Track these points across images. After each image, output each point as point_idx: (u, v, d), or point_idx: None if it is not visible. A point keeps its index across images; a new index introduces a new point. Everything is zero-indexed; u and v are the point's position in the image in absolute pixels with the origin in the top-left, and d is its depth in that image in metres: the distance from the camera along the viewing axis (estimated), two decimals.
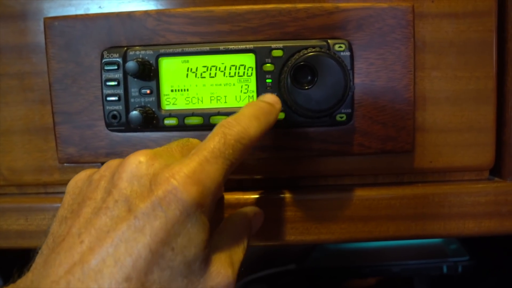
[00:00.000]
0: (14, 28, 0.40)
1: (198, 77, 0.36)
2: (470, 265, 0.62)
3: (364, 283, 0.77)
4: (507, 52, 0.39)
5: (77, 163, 0.39)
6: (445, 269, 0.63)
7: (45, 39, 0.37)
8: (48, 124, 0.40)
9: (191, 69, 0.36)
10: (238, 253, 0.30)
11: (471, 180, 0.41)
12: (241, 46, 0.36)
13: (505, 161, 0.40)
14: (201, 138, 0.37)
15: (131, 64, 0.35)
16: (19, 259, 0.82)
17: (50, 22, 0.37)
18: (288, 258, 0.76)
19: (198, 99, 0.36)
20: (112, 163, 0.28)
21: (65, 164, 0.40)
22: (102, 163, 0.39)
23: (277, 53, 0.36)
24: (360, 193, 0.39)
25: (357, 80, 0.36)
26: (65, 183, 0.40)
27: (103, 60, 0.36)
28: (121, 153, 0.38)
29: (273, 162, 0.40)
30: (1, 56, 0.40)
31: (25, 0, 0.39)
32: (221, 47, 0.36)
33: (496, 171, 0.41)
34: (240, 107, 0.36)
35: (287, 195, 0.39)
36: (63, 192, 0.41)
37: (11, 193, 0.42)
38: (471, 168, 0.40)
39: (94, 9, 0.39)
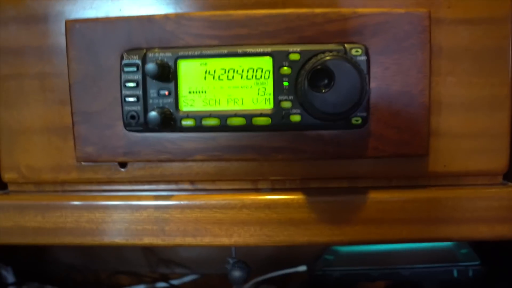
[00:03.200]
0: (36, 30, 0.40)
1: (216, 79, 0.37)
2: (481, 270, 0.62)
3: (374, 286, 0.77)
4: None
5: (95, 161, 0.40)
6: (455, 274, 0.63)
7: (66, 41, 0.38)
8: (67, 124, 0.40)
9: (209, 72, 0.37)
10: None
11: (485, 184, 0.41)
12: (259, 50, 0.36)
13: None
14: (217, 139, 0.38)
15: (150, 66, 0.35)
16: (31, 257, 0.83)
17: (72, 25, 0.38)
18: (299, 260, 0.76)
19: (216, 101, 0.37)
20: None
21: (83, 163, 0.41)
22: (120, 163, 0.40)
23: (294, 56, 0.36)
24: (374, 196, 0.39)
25: (373, 85, 0.37)
26: (82, 182, 0.41)
27: (123, 62, 0.37)
28: (138, 153, 0.39)
29: (288, 164, 0.40)
30: (23, 57, 0.41)
31: (47, 2, 0.40)
32: (239, 50, 0.37)
33: (509, 176, 0.41)
34: (257, 109, 0.36)
35: (301, 197, 0.39)
36: (80, 191, 0.42)
37: (29, 191, 0.43)
38: (484, 173, 0.41)
39: (114, 12, 0.40)
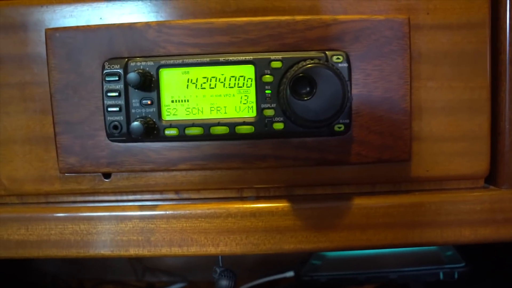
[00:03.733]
0: (15, 39, 0.40)
1: (198, 88, 0.37)
2: (466, 271, 0.63)
3: None
4: (501, 63, 0.40)
5: (78, 172, 0.39)
6: (441, 276, 0.63)
7: (47, 50, 0.38)
8: (49, 134, 0.40)
9: (191, 80, 0.37)
10: None
11: (467, 188, 0.42)
12: (241, 58, 0.36)
13: (500, 169, 0.41)
14: (201, 148, 0.38)
15: (132, 76, 0.35)
16: (15, 267, 0.81)
17: (52, 33, 0.38)
18: (286, 265, 0.76)
19: (198, 109, 0.37)
20: None
21: (66, 174, 0.40)
22: (103, 173, 0.40)
23: (276, 64, 0.36)
24: (358, 202, 0.40)
25: (354, 91, 0.37)
26: (66, 193, 0.41)
27: (104, 71, 0.37)
28: (122, 163, 0.38)
29: (272, 172, 0.40)
30: (2, 67, 0.40)
31: (26, 11, 0.40)
32: (221, 59, 0.37)
33: (491, 179, 0.42)
34: (240, 118, 0.36)
35: (286, 204, 0.39)
36: (64, 202, 0.41)
37: (12, 203, 0.43)
38: (466, 176, 0.41)
39: (95, 20, 0.39)
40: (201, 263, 0.86)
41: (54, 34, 0.38)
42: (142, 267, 0.88)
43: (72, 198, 0.42)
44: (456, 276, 0.63)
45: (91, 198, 0.42)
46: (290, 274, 0.74)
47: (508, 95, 0.40)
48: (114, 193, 0.41)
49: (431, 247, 0.70)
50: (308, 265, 0.73)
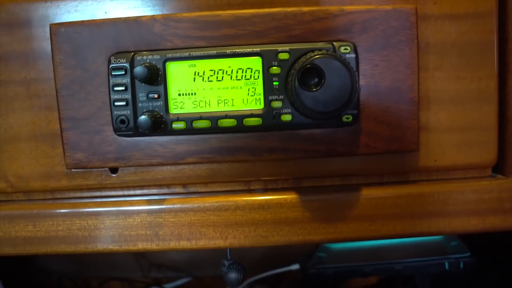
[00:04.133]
0: (19, 35, 0.40)
1: (205, 81, 0.37)
2: (471, 261, 0.63)
3: (367, 282, 0.77)
4: (508, 53, 0.40)
5: (85, 168, 0.39)
6: (447, 266, 0.64)
7: (52, 45, 0.38)
8: (55, 130, 0.40)
9: (198, 73, 0.37)
10: None
11: (475, 177, 0.42)
12: (248, 50, 0.36)
13: (508, 158, 0.41)
14: (209, 141, 0.38)
15: (139, 69, 0.35)
16: (20, 266, 0.82)
17: (57, 29, 0.38)
18: (291, 258, 0.76)
19: (206, 102, 0.37)
20: None
21: (72, 170, 0.40)
22: (110, 168, 0.40)
23: (283, 56, 0.36)
24: (367, 193, 0.40)
25: (362, 82, 0.37)
26: (73, 189, 0.41)
27: (111, 66, 0.37)
28: (129, 157, 0.38)
29: (280, 164, 0.40)
30: (7, 63, 0.40)
31: (30, 6, 0.39)
32: (228, 51, 0.36)
33: (498, 168, 0.42)
34: (248, 110, 0.36)
35: (295, 196, 0.40)
36: (71, 198, 0.41)
37: (18, 200, 0.43)
38: (474, 166, 0.41)
39: (100, 15, 0.39)
40: (206, 258, 0.87)
41: (59, 29, 0.38)
42: (148, 263, 0.88)
43: (79, 194, 0.42)
44: (461, 266, 0.63)
45: (98, 194, 0.42)
46: (296, 267, 0.74)
47: None
48: (121, 188, 0.41)
49: (436, 237, 0.70)
50: (314, 257, 0.73)
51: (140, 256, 0.88)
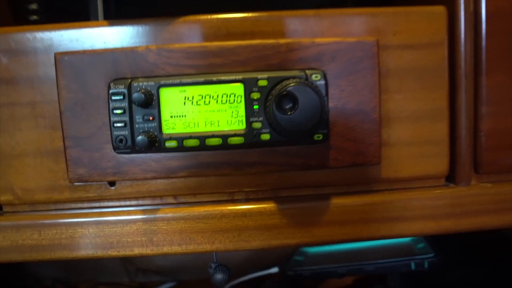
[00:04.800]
0: (26, 62, 0.43)
1: (194, 105, 0.42)
2: (435, 261, 0.69)
3: (342, 283, 0.83)
4: (457, 77, 0.45)
5: (86, 182, 0.44)
6: (413, 266, 0.69)
7: (56, 71, 0.42)
8: (58, 147, 0.44)
9: (188, 98, 0.42)
10: None
11: (430, 186, 0.47)
12: (232, 77, 0.41)
13: (458, 169, 0.47)
14: (197, 157, 0.42)
15: (137, 95, 0.40)
16: (10, 272, 0.84)
17: (61, 57, 0.42)
18: (271, 262, 0.81)
19: (195, 123, 0.42)
20: None
21: (75, 183, 0.44)
22: (109, 182, 0.44)
23: (262, 82, 0.41)
24: (336, 201, 0.45)
25: (331, 104, 0.42)
26: (74, 200, 0.45)
27: (110, 91, 0.41)
28: (126, 172, 0.43)
29: (261, 176, 0.45)
30: (14, 87, 0.44)
31: (36, 36, 0.43)
32: (214, 78, 0.41)
33: (450, 178, 0.47)
34: (231, 130, 0.41)
35: (273, 205, 0.44)
36: (72, 208, 0.46)
37: (23, 211, 0.46)
38: (429, 176, 0.47)
39: (99, 44, 0.44)
40: (190, 263, 0.90)
41: (63, 57, 0.42)
42: (134, 268, 0.91)
43: (79, 205, 0.46)
44: (426, 265, 0.69)
45: (97, 204, 0.46)
46: (275, 270, 0.79)
47: (464, 105, 0.45)
48: (119, 199, 0.46)
49: (404, 240, 0.76)
50: (292, 261, 0.78)
51: (127, 262, 0.91)
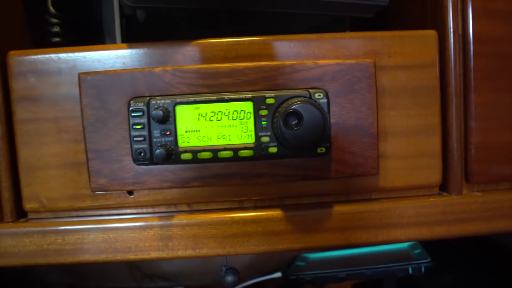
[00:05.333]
0: (51, 81, 0.47)
1: (207, 120, 0.45)
2: (431, 266, 0.72)
3: (340, 286, 0.86)
4: (448, 95, 0.49)
5: (107, 191, 0.47)
6: (410, 271, 0.72)
7: (80, 90, 0.46)
8: (80, 159, 0.48)
9: (202, 114, 0.45)
10: None
11: (424, 195, 0.51)
12: (241, 96, 0.45)
13: (450, 179, 0.50)
14: (210, 168, 0.46)
15: (155, 113, 0.43)
16: (18, 278, 0.87)
17: (84, 77, 0.46)
18: (272, 267, 0.84)
19: (208, 138, 0.45)
20: None
21: (96, 193, 0.48)
22: (128, 191, 0.48)
23: (270, 100, 0.45)
24: (337, 209, 0.48)
25: (332, 120, 0.46)
26: (95, 208, 0.48)
27: (130, 108, 0.45)
28: (144, 182, 0.46)
29: (268, 186, 0.49)
30: (39, 104, 0.47)
31: (60, 57, 0.47)
32: (226, 97, 0.45)
33: (443, 187, 0.51)
34: (242, 144, 0.45)
35: (280, 212, 0.48)
36: (93, 215, 0.49)
37: (47, 218, 0.50)
38: (424, 186, 0.50)
39: (118, 65, 0.47)
40: (195, 269, 0.94)
41: (86, 77, 0.46)
42: (141, 274, 0.94)
43: (100, 212, 0.50)
44: (423, 270, 0.72)
45: (116, 212, 0.49)
46: (278, 274, 0.82)
47: (455, 120, 0.49)
48: (136, 207, 0.49)
49: (402, 246, 0.80)
50: (294, 266, 0.81)
51: (134, 267, 0.94)
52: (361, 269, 0.74)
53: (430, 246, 0.78)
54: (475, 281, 0.75)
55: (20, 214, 0.50)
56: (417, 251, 0.78)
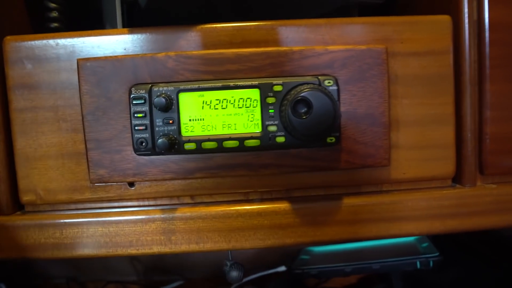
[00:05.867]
0: (49, 68, 0.45)
1: (212, 109, 0.43)
2: (439, 260, 0.71)
3: (346, 281, 0.85)
4: (462, 83, 0.47)
5: (107, 182, 0.46)
6: (418, 265, 0.71)
7: (79, 77, 0.44)
8: (79, 149, 0.46)
9: (206, 102, 0.43)
10: None
11: (437, 187, 0.49)
12: (248, 83, 0.43)
13: (464, 170, 0.49)
14: (215, 159, 0.44)
15: (158, 100, 0.42)
16: (20, 271, 0.86)
17: (83, 63, 0.44)
18: (274, 261, 0.83)
19: (212, 126, 0.44)
20: None
21: (96, 184, 0.46)
22: (129, 182, 0.46)
23: (277, 88, 0.43)
24: (347, 201, 0.47)
25: (342, 109, 0.44)
26: (95, 201, 0.47)
27: (132, 95, 0.43)
28: (146, 173, 0.45)
29: (274, 177, 0.47)
30: (37, 92, 0.45)
31: (58, 42, 0.45)
32: (231, 83, 0.43)
33: (457, 179, 0.49)
34: (248, 133, 0.43)
35: (287, 204, 0.46)
36: (92, 208, 0.47)
37: (45, 210, 0.48)
38: (436, 177, 0.49)
39: (119, 51, 0.45)
40: (197, 262, 0.92)
41: (85, 63, 0.44)
42: (143, 266, 0.93)
43: (100, 205, 0.48)
44: (431, 264, 0.71)
45: (117, 204, 0.48)
46: (282, 268, 0.81)
47: (469, 110, 0.47)
48: (138, 199, 0.47)
49: (409, 239, 0.78)
50: (298, 260, 0.80)
51: (135, 260, 0.93)
52: (368, 263, 0.73)
53: (434, 240, 0.77)
54: (482, 276, 0.73)
55: (17, 206, 0.48)
56: (425, 244, 0.76)
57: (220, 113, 0.43)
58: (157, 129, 0.43)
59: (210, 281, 0.91)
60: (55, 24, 0.51)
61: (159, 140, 0.42)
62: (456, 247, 0.79)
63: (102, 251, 0.46)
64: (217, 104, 0.43)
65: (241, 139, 0.43)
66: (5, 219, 0.46)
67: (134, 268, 0.93)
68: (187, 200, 0.48)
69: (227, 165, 0.45)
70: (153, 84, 0.43)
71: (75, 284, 0.90)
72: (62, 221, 0.46)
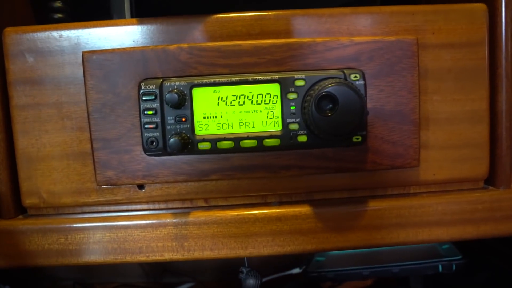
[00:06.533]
0: (52, 61, 0.42)
1: (228, 105, 0.40)
2: (463, 263, 0.67)
3: (362, 284, 0.82)
4: (498, 77, 0.44)
5: (115, 185, 0.42)
6: (440, 268, 0.67)
7: (84, 71, 0.41)
8: (85, 149, 0.43)
9: (222, 98, 0.40)
10: None
11: (469, 189, 0.46)
12: (267, 77, 0.40)
13: (498, 172, 0.45)
14: (231, 159, 0.41)
15: (170, 96, 0.38)
16: (27, 274, 0.84)
17: (89, 56, 0.41)
18: (289, 263, 0.80)
19: (229, 125, 0.40)
20: None
21: (103, 186, 0.43)
22: (139, 185, 0.43)
23: (299, 82, 0.40)
24: (373, 204, 0.44)
25: (369, 105, 0.41)
26: (102, 204, 0.44)
27: (141, 91, 0.40)
28: (157, 175, 0.41)
29: (294, 179, 0.44)
30: (40, 87, 0.43)
31: (62, 34, 0.42)
32: (249, 78, 0.40)
33: (490, 181, 0.46)
34: (267, 132, 0.40)
35: (308, 208, 0.43)
36: (99, 212, 0.44)
37: (48, 214, 0.45)
38: (468, 179, 0.45)
39: (128, 43, 0.42)
40: (208, 264, 0.90)
41: (91, 57, 0.41)
42: (152, 269, 0.91)
43: (107, 208, 0.45)
44: (454, 268, 0.67)
45: (126, 208, 0.45)
46: (297, 270, 0.78)
47: (504, 106, 0.44)
48: (148, 202, 0.44)
49: None
50: (314, 262, 0.76)
51: (144, 262, 0.90)
52: (386, 267, 0.69)
53: (458, 242, 0.73)
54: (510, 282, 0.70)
55: (19, 210, 0.46)
56: (445, 246, 0.73)
57: (237, 110, 0.40)
58: (168, 127, 0.40)
59: (221, 283, 0.88)
60: (59, 15, 0.48)
61: (171, 140, 0.39)
62: (482, 249, 0.75)
63: (110, 258, 0.43)
64: (233, 100, 0.40)
65: (260, 138, 0.40)
66: (6, 223, 0.44)
67: (143, 270, 0.91)
68: (201, 203, 0.45)
69: (244, 167, 0.42)
70: (164, 78, 0.40)
71: (82, 286, 0.88)
72: (67, 225, 0.43)
